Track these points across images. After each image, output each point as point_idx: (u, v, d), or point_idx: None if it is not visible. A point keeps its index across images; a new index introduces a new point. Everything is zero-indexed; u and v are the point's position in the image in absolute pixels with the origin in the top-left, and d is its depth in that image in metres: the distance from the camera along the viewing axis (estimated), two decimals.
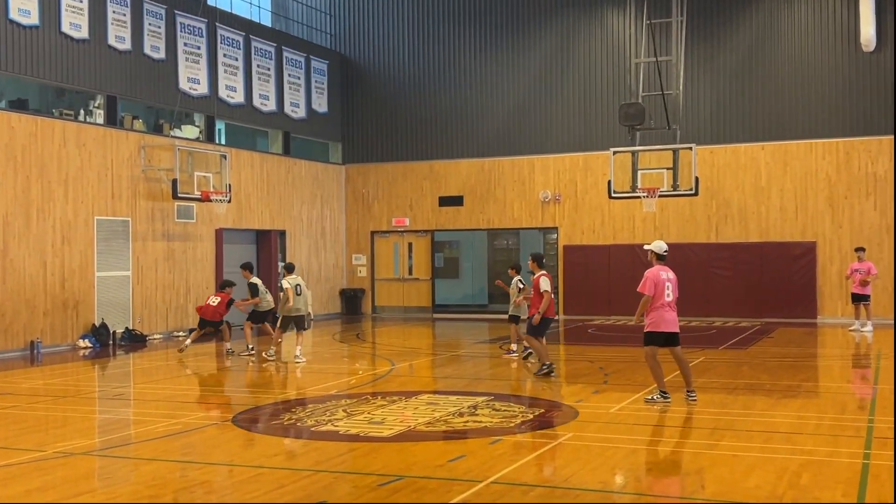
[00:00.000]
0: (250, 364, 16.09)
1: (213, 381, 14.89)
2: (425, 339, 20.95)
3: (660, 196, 20.75)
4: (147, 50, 21.06)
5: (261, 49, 24.92)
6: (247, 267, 17.98)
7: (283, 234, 25.39)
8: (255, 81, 24.64)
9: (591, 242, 25.34)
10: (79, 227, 19.03)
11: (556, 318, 14.03)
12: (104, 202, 19.68)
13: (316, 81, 27.21)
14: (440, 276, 27.69)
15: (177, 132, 22.19)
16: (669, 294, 11.15)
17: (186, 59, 22.19)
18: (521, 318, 15.97)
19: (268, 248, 24.75)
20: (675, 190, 20.61)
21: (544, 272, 13.73)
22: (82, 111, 19.95)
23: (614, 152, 21.38)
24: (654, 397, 11.09)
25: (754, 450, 8.51)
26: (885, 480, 7.33)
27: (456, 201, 26.96)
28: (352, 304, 27.56)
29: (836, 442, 8.96)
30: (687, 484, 7.57)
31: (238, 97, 23.97)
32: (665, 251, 11.49)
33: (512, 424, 9.96)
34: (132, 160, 20.43)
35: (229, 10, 24.16)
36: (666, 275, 11.21)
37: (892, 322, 20.88)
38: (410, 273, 27.68)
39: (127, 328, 19.85)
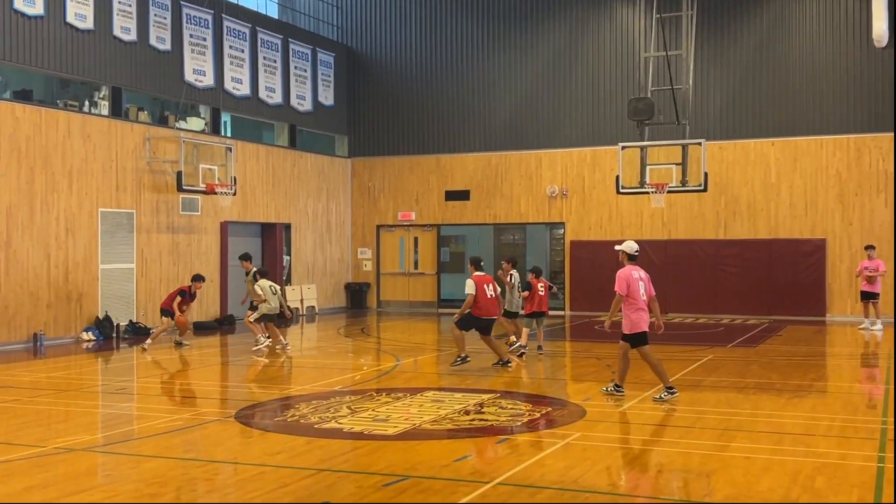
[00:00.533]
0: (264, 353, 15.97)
1: (217, 376, 14.77)
2: (431, 335, 20.81)
3: (668, 192, 20.58)
4: (152, 41, 20.92)
5: (267, 41, 24.77)
6: (245, 257, 17.85)
7: (288, 227, 25.26)
8: (261, 74, 24.49)
9: (598, 238, 25.15)
10: (83, 219, 18.92)
11: (494, 318, 14.24)
12: (108, 194, 19.57)
13: (322, 74, 27.06)
14: (446, 271, 27.54)
15: (182, 124, 22.05)
16: (643, 293, 11.18)
17: (192, 51, 22.05)
18: (518, 312, 16.30)
19: (273, 241, 24.64)
20: (683, 186, 20.45)
21: (478, 274, 14.19)
22: (87, 102, 19.82)
23: (623, 147, 21.19)
24: (609, 388, 11.40)
25: (766, 451, 8.35)
26: (893, 498, 7.16)
27: (462, 196, 26.80)
28: (357, 298, 27.43)
29: (848, 444, 8.80)
30: (699, 487, 7.41)
31: (244, 89, 23.83)
32: (636, 251, 11.56)
33: (519, 423, 9.82)
34: (137, 152, 20.30)
35: (235, 2, 24.01)
36: (638, 274, 11.29)
37: (893, 320, 20.66)
38: (416, 267, 27.54)
39: (131, 321, 19.74)
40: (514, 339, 16.25)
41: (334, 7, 28.34)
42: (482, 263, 14.63)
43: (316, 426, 9.65)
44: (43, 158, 18.11)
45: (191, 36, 22.02)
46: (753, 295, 23.58)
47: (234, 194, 21.80)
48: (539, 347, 15.99)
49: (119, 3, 19.99)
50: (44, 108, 18.45)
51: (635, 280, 11.18)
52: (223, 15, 22.98)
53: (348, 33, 28.30)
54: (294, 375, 14.54)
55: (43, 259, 18.05)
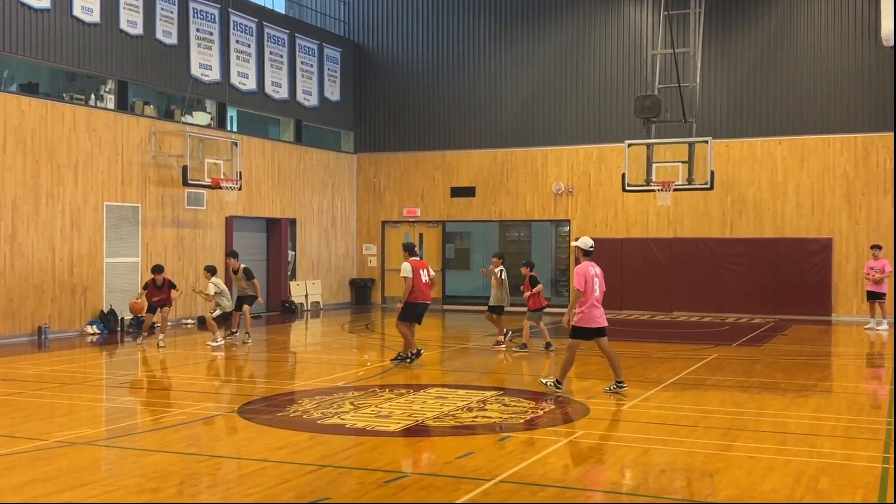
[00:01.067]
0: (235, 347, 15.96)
1: (220, 371, 14.76)
2: (435, 331, 20.78)
3: (674, 190, 20.52)
4: (159, 35, 20.91)
5: (274, 36, 24.74)
6: (233, 255, 17.82)
7: (293, 222, 25.25)
8: (268, 68, 24.46)
9: (603, 236, 25.07)
10: (88, 213, 18.92)
11: (429, 303, 14.28)
12: (114, 188, 19.57)
13: (329, 69, 27.02)
14: (451, 268, 27.50)
15: (188, 118, 22.04)
16: (597, 290, 11.37)
17: (198, 45, 22.03)
18: (504, 308, 16.34)
19: (278, 236, 24.63)
20: (690, 184, 20.38)
21: (413, 258, 14.12)
22: (93, 96, 19.82)
23: (629, 145, 21.14)
24: (548, 381, 11.49)
25: (770, 451, 8.31)
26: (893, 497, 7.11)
27: (468, 192, 26.76)
28: (361, 294, 27.41)
29: (853, 444, 8.76)
30: (702, 486, 7.37)
31: (250, 84, 23.81)
32: (591, 247, 11.73)
33: (522, 421, 9.79)
34: (142, 146, 20.30)
35: None
36: (594, 270, 11.46)
37: (894, 321, 20.59)
38: None
39: (135, 315, 19.73)
40: (502, 339, 16.24)
41: (341, 2, 28.30)
42: (416, 249, 14.55)
43: (318, 422, 9.63)
44: (48, 152, 18.11)
45: (197, 30, 22.00)
46: (759, 294, 23.51)
47: (240, 189, 21.78)
48: (548, 345, 15.94)
49: None
50: (50, 101, 18.45)
51: (591, 276, 11.35)
52: (230, 9, 22.96)
53: (355, 29, 28.26)
54: (297, 371, 14.53)
55: (48, 252, 18.06)
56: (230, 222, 22.68)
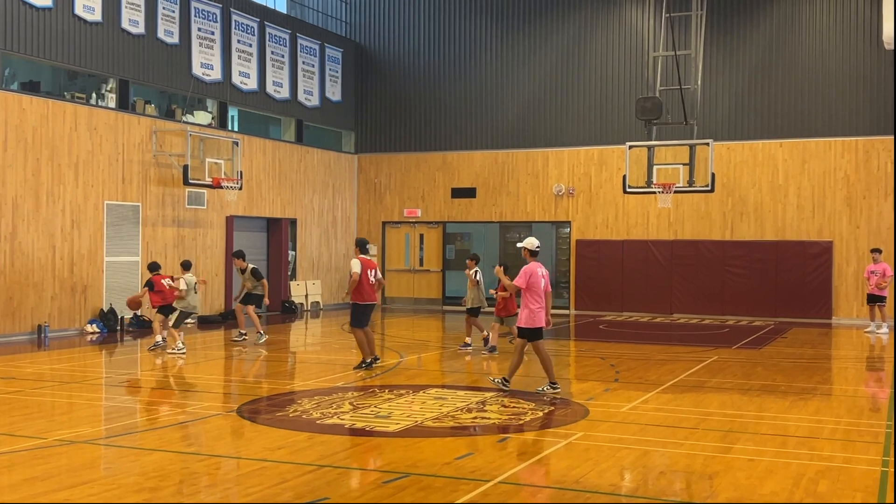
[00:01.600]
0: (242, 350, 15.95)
1: (220, 370, 14.76)
2: (434, 332, 20.78)
3: (675, 192, 20.52)
4: (160, 34, 20.91)
5: (275, 36, 24.74)
6: (239, 255, 17.78)
7: (293, 222, 25.25)
8: (269, 68, 24.46)
9: (604, 237, 25.10)
10: (88, 212, 18.92)
11: (374, 303, 13.79)
12: (114, 187, 19.57)
13: (330, 69, 27.02)
14: (451, 269, 27.49)
15: (189, 118, 22.05)
16: (542, 291, 11.51)
17: (200, 45, 22.03)
18: (481, 309, 16.28)
19: (278, 236, 24.63)
20: (690, 186, 20.38)
21: (363, 256, 13.61)
22: (94, 95, 19.82)
23: (630, 147, 21.13)
24: (497, 380, 11.69)
25: (770, 454, 8.31)
26: (893, 497, 7.10)
27: (469, 193, 26.76)
28: None
29: (853, 447, 8.75)
30: (702, 489, 7.36)
31: (251, 84, 23.81)
32: (537, 247, 11.84)
33: (521, 422, 9.78)
34: (143, 145, 20.30)
35: None
36: (541, 271, 11.59)
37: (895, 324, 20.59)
38: (421, 264, 27.51)
39: (135, 314, 19.74)
40: (468, 340, 16.23)
41: (343, 3, 28.30)
42: (368, 247, 14.14)
43: (318, 422, 9.62)
44: (49, 150, 18.11)
45: (199, 30, 22.01)
46: (759, 296, 23.51)
47: (241, 189, 21.78)
48: (494, 349, 15.83)
49: None
50: (51, 99, 18.45)
51: (538, 276, 11.46)
52: (231, 9, 22.97)
53: (357, 29, 28.26)
54: (297, 371, 14.51)
55: (48, 251, 18.06)
56: (231, 222, 22.68)
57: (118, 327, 19.11)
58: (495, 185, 26.45)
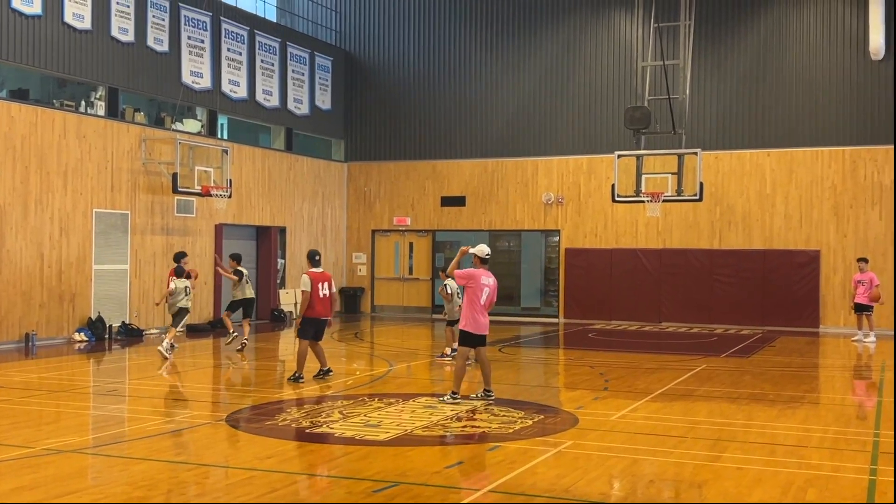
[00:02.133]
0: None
1: (209, 379, 14.72)
2: (424, 340, 20.77)
3: (664, 201, 20.56)
4: (150, 42, 20.89)
5: (265, 44, 24.75)
6: (235, 258, 17.75)
7: (283, 230, 25.22)
8: (259, 77, 24.46)
9: (593, 246, 25.16)
10: (77, 220, 18.86)
11: (328, 319, 13.48)
12: (103, 195, 19.52)
13: (320, 78, 27.05)
14: (441, 277, 27.46)
15: (178, 126, 22.01)
16: (484, 298, 11.47)
17: (190, 53, 22.02)
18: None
19: (268, 244, 24.59)
20: (679, 195, 20.43)
21: (314, 270, 13.29)
22: (83, 102, 19.78)
23: (619, 156, 21.20)
24: (446, 398, 11.31)
25: (758, 463, 8.34)
26: (893, 497, 7.15)
27: (458, 201, 26.80)
28: (351, 302, 27.38)
29: (841, 456, 8.79)
30: (691, 497, 7.38)
31: (241, 92, 23.80)
32: (487, 255, 11.87)
33: (511, 430, 9.78)
34: (132, 153, 20.26)
35: (234, 4, 23.99)
36: (487, 280, 11.57)
37: (893, 334, 20.69)
38: (411, 273, 27.51)
39: (123, 322, 19.68)
40: (447, 351, 16.03)
41: (333, 11, 28.35)
42: (318, 258, 13.53)
43: (307, 431, 9.61)
44: (38, 158, 18.06)
45: (188, 38, 22.00)
46: (747, 305, 23.59)
47: (230, 197, 21.75)
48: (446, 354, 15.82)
49: (117, 3, 19.96)
50: (40, 107, 18.40)
51: (482, 285, 11.45)
52: (221, 17, 22.97)
53: (346, 38, 28.31)
54: (286, 379, 14.47)
55: (36, 259, 17.99)
56: (220, 230, 22.63)
57: (106, 336, 19.04)
58: (485, 194, 26.50)
